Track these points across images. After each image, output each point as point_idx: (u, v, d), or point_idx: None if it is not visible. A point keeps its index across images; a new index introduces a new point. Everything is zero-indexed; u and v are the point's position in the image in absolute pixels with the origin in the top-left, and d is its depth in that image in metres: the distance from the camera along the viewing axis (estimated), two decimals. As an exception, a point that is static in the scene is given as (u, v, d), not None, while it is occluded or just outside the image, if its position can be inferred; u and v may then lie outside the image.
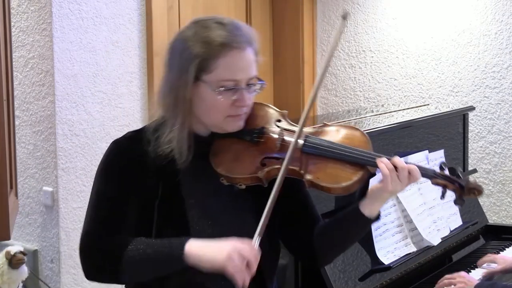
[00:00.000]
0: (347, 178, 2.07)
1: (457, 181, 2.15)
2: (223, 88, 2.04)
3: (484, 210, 3.88)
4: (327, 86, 5.27)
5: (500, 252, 3.54)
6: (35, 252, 3.99)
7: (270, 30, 5.23)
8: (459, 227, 3.46)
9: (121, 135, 2.19)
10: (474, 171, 4.09)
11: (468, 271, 3.23)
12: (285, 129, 2.15)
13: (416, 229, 3.14)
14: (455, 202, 2.18)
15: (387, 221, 3.03)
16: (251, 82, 2.10)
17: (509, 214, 4.69)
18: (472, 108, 4.11)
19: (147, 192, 2.08)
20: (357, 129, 2.20)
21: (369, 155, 2.10)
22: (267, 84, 5.28)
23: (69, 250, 3.91)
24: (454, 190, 2.16)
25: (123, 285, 2.24)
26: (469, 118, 4.11)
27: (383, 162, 2.07)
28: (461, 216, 3.47)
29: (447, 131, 3.77)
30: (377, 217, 2.18)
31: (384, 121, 3.52)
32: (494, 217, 4.65)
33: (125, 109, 4.16)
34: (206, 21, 2.08)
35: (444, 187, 2.16)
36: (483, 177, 4.72)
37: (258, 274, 2.03)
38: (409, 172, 2.09)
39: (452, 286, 2.93)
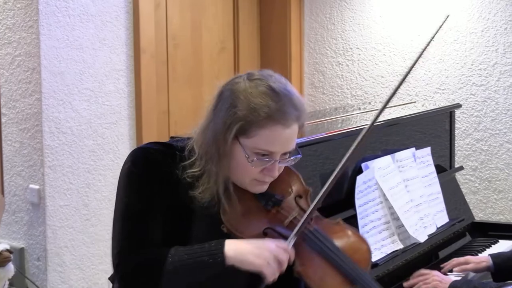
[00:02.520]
0: (333, 287, 2.04)
1: None
2: (256, 157, 2.01)
3: (471, 207, 3.89)
4: (314, 83, 5.28)
5: (486, 249, 3.56)
6: (21, 250, 3.98)
7: (258, 27, 5.22)
8: (446, 224, 3.47)
9: (144, 144, 2.16)
10: (461, 168, 4.10)
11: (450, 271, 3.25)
12: (301, 209, 2.12)
13: (403, 226, 3.14)
14: None
15: (374, 218, 3.03)
16: (287, 154, 2.07)
17: (495, 211, 4.71)
18: (458, 106, 4.13)
19: (165, 208, 2.07)
20: (365, 243, 2.14)
21: (364, 279, 2.05)
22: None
23: (55, 248, 3.90)
24: None
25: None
26: (456, 116, 4.13)
27: None
28: (448, 213, 3.49)
29: (434, 128, 3.78)
30: None
31: (371, 119, 3.52)
32: (480, 214, 4.67)
33: (112, 107, 4.15)
34: (261, 82, 2.02)
35: None
36: (470, 174, 4.74)
37: None
38: None
39: (426, 285, 2.95)
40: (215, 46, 4.89)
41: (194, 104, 4.64)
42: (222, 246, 2.00)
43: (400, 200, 3.17)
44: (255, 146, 2.00)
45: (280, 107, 1.99)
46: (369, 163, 3.12)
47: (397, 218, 3.14)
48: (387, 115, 3.67)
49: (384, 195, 3.10)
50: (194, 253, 2.01)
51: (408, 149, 3.39)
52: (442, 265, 3.23)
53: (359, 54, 5.12)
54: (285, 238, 2.02)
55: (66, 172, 3.94)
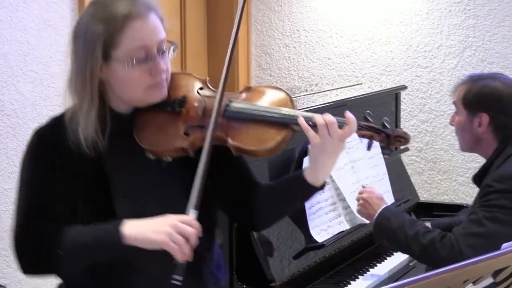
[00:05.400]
0: (271, 139, 2.05)
1: (383, 131, 2.15)
2: (135, 61, 2.00)
3: (416, 188, 3.94)
4: (261, 65, 5.28)
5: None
6: (-35, 235, 3.93)
7: (204, 9, 5.20)
8: (392, 204, 3.51)
9: (44, 123, 2.15)
10: (406, 149, 4.15)
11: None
12: (207, 96, 2.12)
13: (349, 207, 3.17)
14: (383, 152, 2.19)
15: (320, 199, 3.05)
16: (163, 47, 2.06)
17: (439, 191, 4.78)
18: (404, 87, 4.17)
19: (72, 178, 2.05)
20: (280, 89, 2.17)
21: (290, 114, 2.06)
22: (202, 63, 5.25)
23: (0, 232, 3.86)
24: (380, 141, 2.16)
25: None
26: (401, 97, 4.17)
27: (303, 118, 2.04)
28: (394, 193, 3.53)
29: (380, 110, 3.81)
30: (322, 187, 2.13)
31: (318, 100, 3.54)
32: (425, 195, 4.73)
33: (58, 89, 4.09)
34: None
35: (371, 138, 2.16)
36: (415, 155, 4.80)
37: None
38: (340, 127, 2.06)
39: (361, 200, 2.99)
40: (161, 28, 4.84)
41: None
42: (120, 224, 1.97)
43: (346, 181, 3.19)
44: (128, 51, 2.00)
45: (129, 3, 2.01)
46: (315, 144, 3.13)
47: (343, 199, 3.16)
48: (333, 96, 3.69)
49: (331, 176, 3.12)
50: (91, 232, 1.99)
51: (354, 130, 3.40)
52: None
53: (306, 36, 5.13)
54: (205, 128, 2.03)
55: (10, 155, 3.89)
